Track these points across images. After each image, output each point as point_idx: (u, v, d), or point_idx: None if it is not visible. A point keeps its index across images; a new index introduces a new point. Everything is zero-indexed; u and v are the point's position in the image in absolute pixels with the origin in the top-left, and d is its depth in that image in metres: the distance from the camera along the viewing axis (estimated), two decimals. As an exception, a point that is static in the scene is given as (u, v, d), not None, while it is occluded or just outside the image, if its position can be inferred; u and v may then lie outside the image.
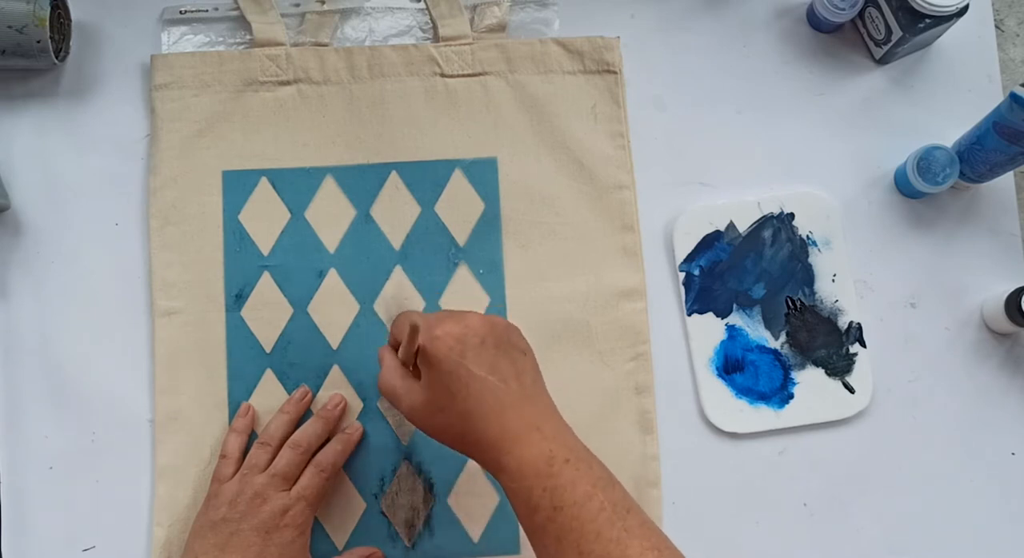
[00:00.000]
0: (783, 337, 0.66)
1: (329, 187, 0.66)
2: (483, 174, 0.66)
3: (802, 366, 0.66)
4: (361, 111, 0.67)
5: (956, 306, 0.68)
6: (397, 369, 0.52)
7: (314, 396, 0.63)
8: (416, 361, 0.51)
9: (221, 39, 0.68)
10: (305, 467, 0.59)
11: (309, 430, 0.60)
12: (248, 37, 0.68)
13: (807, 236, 0.67)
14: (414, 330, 0.48)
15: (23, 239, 0.65)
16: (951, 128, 0.68)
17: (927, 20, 0.64)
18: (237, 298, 0.64)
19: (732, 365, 0.66)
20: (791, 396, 0.65)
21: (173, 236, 0.65)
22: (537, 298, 0.65)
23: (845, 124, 0.70)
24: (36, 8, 0.61)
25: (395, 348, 0.53)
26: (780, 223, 0.68)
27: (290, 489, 0.58)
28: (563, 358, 0.64)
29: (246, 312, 0.64)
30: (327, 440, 0.61)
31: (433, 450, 0.63)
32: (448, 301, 0.65)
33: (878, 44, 0.69)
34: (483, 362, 0.48)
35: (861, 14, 0.68)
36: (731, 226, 0.67)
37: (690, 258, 0.67)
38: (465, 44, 0.68)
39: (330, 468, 0.60)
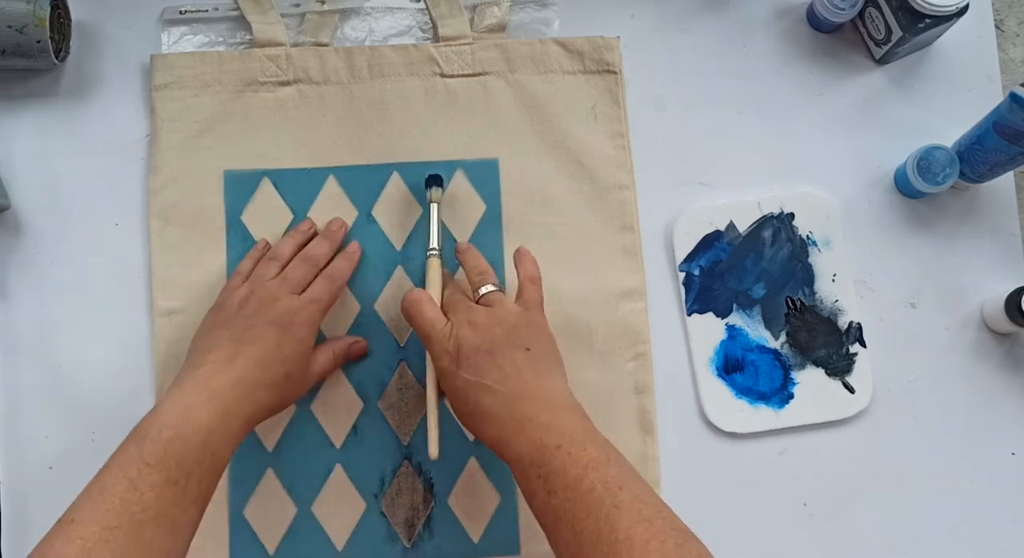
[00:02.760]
0: (783, 337, 0.66)
1: (331, 187, 0.66)
2: (484, 175, 0.66)
3: (802, 366, 0.66)
4: (361, 111, 0.67)
5: (956, 306, 0.68)
6: (436, 313, 0.57)
7: (314, 396, 0.63)
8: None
9: (221, 39, 0.68)
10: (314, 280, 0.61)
11: (317, 247, 0.62)
12: (248, 37, 0.68)
13: (807, 236, 0.67)
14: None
15: (23, 239, 0.65)
16: (951, 128, 0.68)
17: (927, 20, 0.64)
18: (237, 298, 0.64)
19: (732, 365, 0.66)
20: (791, 396, 0.65)
21: (174, 236, 0.65)
22: (537, 298, 0.65)
23: (845, 124, 0.70)
24: (36, 8, 0.61)
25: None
26: (780, 223, 0.68)
27: (301, 295, 0.59)
28: (563, 358, 0.64)
29: (246, 312, 0.64)
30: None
31: (433, 450, 0.63)
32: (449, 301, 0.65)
33: (878, 44, 0.69)
34: (475, 369, 0.53)
35: (861, 14, 0.68)
36: (731, 226, 0.67)
37: (690, 258, 0.67)
38: (465, 44, 0.68)
39: (340, 279, 0.61)
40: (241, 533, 0.62)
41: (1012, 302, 0.64)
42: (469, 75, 0.67)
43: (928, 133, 0.69)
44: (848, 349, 0.66)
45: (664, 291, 0.67)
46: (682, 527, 0.46)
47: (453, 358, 0.53)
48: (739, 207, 0.68)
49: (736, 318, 0.66)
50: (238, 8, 0.68)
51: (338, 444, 0.63)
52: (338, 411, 0.63)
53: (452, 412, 0.56)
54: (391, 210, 0.66)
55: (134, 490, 0.45)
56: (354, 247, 0.64)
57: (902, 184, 0.68)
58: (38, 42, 0.62)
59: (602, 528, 0.45)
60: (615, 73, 0.68)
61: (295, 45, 0.68)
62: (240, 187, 0.65)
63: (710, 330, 0.66)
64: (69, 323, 0.64)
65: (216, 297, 0.61)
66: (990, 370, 0.67)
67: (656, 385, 0.65)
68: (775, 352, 0.66)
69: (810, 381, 0.66)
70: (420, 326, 0.56)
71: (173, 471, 0.47)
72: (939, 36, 0.69)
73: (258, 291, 0.58)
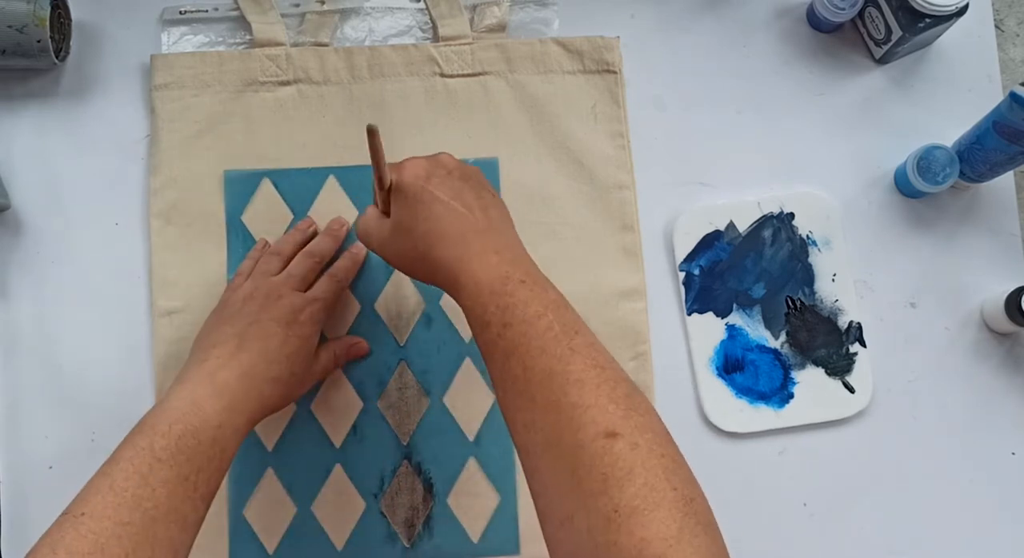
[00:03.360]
0: (783, 337, 0.66)
1: (331, 187, 0.66)
2: (484, 174, 0.66)
3: (802, 366, 0.66)
4: (361, 111, 0.67)
5: (956, 306, 0.68)
6: (373, 213, 0.54)
7: (314, 396, 0.63)
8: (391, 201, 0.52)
9: (221, 39, 0.68)
10: (317, 278, 0.60)
11: (320, 244, 0.62)
12: (248, 37, 0.68)
13: (807, 236, 0.67)
14: (371, 136, 0.49)
15: (23, 239, 0.65)
16: (951, 128, 0.68)
17: (927, 20, 0.64)
18: (237, 298, 0.64)
19: (732, 365, 0.66)
20: (791, 396, 0.65)
21: (174, 236, 0.65)
22: (537, 298, 0.65)
23: (845, 124, 0.70)
24: (36, 8, 0.61)
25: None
26: (780, 223, 0.68)
27: (305, 292, 0.58)
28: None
29: (246, 312, 0.64)
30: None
31: (433, 450, 0.63)
32: (449, 301, 0.65)
33: (878, 44, 0.69)
34: (447, 189, 0.50)
35: (861, 14, 0.68)
36: (731, 226, 0.67)
37: (690, 258, 0.67)
38: (465, 44, 0.68)
39: (344, 278, 0.61)
40: (241, 533, 0.62)
41: (1012, 302, 0.64)
42: (469, 75, 0.67)
43: (928, 133, 0.69)
44: (848, 349, 0.66)
45: (664, 291, 0.67)
46: (631, 380, 0.45)
47: (424, 175, 0.51)
48: (739, 207, 0.68)
49: (736, 318, 0.66)
50: (238, 8, 0.68)
51: (338, 444, 0.63)
52: (338, 411, 0.63)
53: (386, 244, 0.52)
54: (391, 210, 0.66)
55: (145, 486, 0.45)
56: (358, 247, 0.64)
57: (902, 184, 0.68)
58: (38, 42, 0.62)
59: (555, 367, 0.43)
60: (615, 73, 0.68)
61: (295, 45, 0.68)
62: (240, 187, 0.65)
63: (710, 330, 0.66)
64: (69, 323, 0.64)
65: (216, 297, 0.61)
66: (990, 370, 0.67)
67: (656, 385, 0.65)
68: (775, 352, 0.66)
69: (810, 381, 0.66)
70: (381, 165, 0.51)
71: (184, 467, 0.47)
72: (939, 36, 0.69)
73: (262, 287, 0.58)
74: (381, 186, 0.51)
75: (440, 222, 0.50)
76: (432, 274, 0.51)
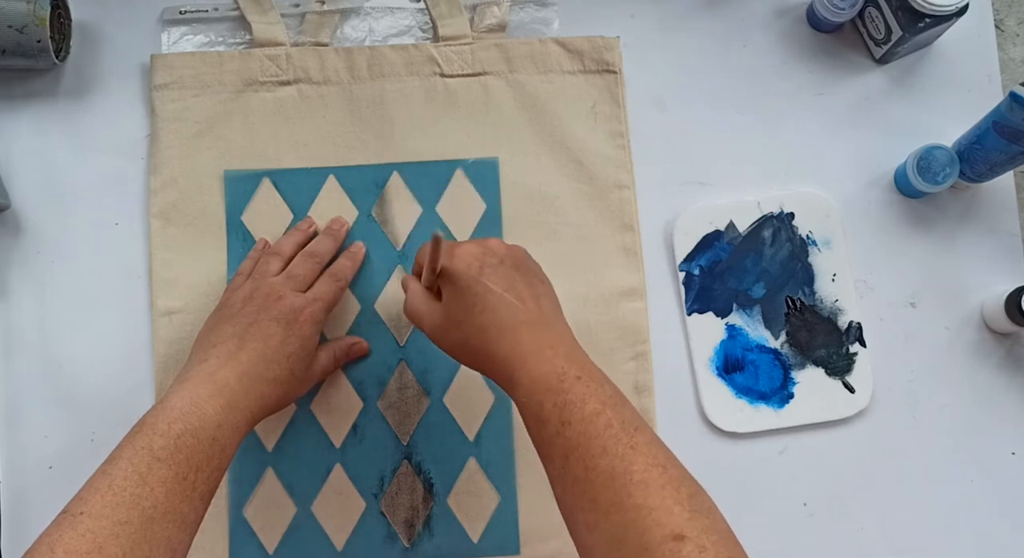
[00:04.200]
0: (783, 337, 0.66)
1: (332, 187, 0.66)
2: (484, 174, 0.66)
3: (802, 366, 0.66)
4: (361, 111, 0.67)
5: (956, 306, 0.68)
6: (420, 293, 0.54)
7: (314, 396, 0.63)
8: (439, 284, 0.52)
9: (221, 39, 0.68)
10: (317, 278, 0.60)
11: (320, 244, 0.62)
12: (248, 37, 0.68)
13: (807, 236, 0.67)
14: (436, 245, 0.49)
15: (23, 239, 0.65)
16: (951, 128, 0.68)
17: (927, 20, 0.64)
18: (237, 298, 0.64)
19: (732, 365, 0.66)
20: (791, 396, 0.65)
21: (174, 236, 0.65)
22: (537, 298, 0.65)
23: (845, 124, 0.70)
24: (36, 8, 0.61)
25: (419, 276, 0.55)
26: (780, 223, 0.68)
27: (305, 293, 0.58)
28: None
29: (246, 312, 0.64)
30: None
31: (433, 450, 0.63)
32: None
33: (878, 44, 0.69)
34: (500, 279, 0.50)
35: (861, 14, 0.68)
36: (731, 226, 0.67)
37: (690, 258, 0.67)
38: (465, 44, 0.68)
39: (344, 278, 0.61)
40: (241, 533, 0.62)
41: (1012, 302, 0.64)
42: (469, 75, 0.67)
43: (928, 133, 0.69)
44: (848, 349, 0.66)
45: (664, 291, 0.67)
46: (694, 478, 0.45)
47: (477, 266, 0.50)
48: (739, 207, 0.68)
49: (736, 318, 0.66)
50: (238, 8, 0.68)
51: (338, 444, 0.63)
52: (338, 411, 0.63)
53: (437, 331, 0.52)
54: (392, 210, 0.66)
55: (144, 485, 0.45)
56: (357, 247, 0.64)
57: (902, 184, 0.68)
58: (38, 42, 0.62)
59: (617, 466, 0.43)
60: (615, 73, 0.68)
61: (295, 45, 0.68)
62: (240, 187, 0.65)
63: (710, 330, 0.66)
64: (69, 323, 0.64)
65: (216, 297, 0.61)
66: (990, 370, 0.67)
67: (656, 385, 0.65)
68: (775, 352, 0.66)
69: (810, 381, 0.66)
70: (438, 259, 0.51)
71: (182, 467, 0.47)
72: (939, 36, 0.69)
73: (262, 287, 0.58)
74: (433, 270, 0.51)
75: (495, 315, 0.49)
76: (485, 367, 0.51)
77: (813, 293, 0.67)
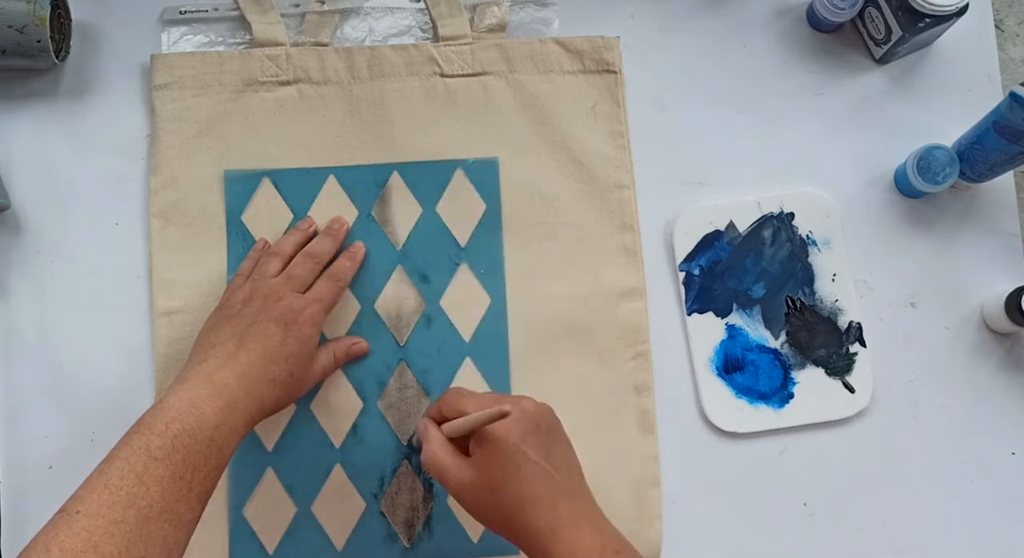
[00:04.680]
0: (783, 337, 0.66)
1: (331, 187, 0.66)
2: (484, 174, 0.66)
3: (802, 366, 0.66)
4: (361, 111, 0.67)
5: (956, 306, 0.68)
6: (445, 445, 0.52)
7: (314, 396, 0.63)
8: (470, 440, 0.51)
9: (221, 39, 0.68)
10: (317, 279, 0.60)
11: (319, 244, 0.62)
12: (248, 37, 0.68)
13: (807, 236, 0.67)
14: (496, 416, 0.48)
15: (23, 239, 0.65)
16: (951, 128, 0.68)
17: (927, 20, 0.64)
18: (237, 298, 0.64)
19: (732, 365, 0.66)
20: (791, 396, 0.65)
21: (174, 236, 0.65)
22: (537, 298, 0.65)
23: (845, 124, 0.70)
24: (36, 8, 0.61)
25: (436, 421, 0.54)
26: (780, 223, 0.68)
27: (304, 293, 0.58)
28: (563, 358, 0.64)
29: (246, 312, 0.64)
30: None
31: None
32: (449, 301, 0.65)
33: (878, 44, 0.69)
34: (538, 448, 0.50)
35: (861, 14, 0.68)
36: (731, 226, 0.67)
37: (690, 258, 0.67)
38: (465, 44, 0.68)
39: (343, 278, 0.61)
40: (241, 532, 0.62)
41: (1012, 302, 0.64)
42: (469, 75, 0.67)
43: (928, 133, 0.69)
44: (848, 349, 0.66)
45: (664, 291, 0.67)
46: None
47: (518, 432, 0.50)
48: (739, 207, 0.68)
49: (736, 318, 0.66)
50: (238, 8, 0.68)
51: (338, 444, 0.63)
52: (338, 411, 0.63)
53: (466, 494, 0.51)
54: (391, 210, 0.66)
55: (140, 484, 0.45)
56: (357, 247, 0.64)
57: (902, 184, 0.68)
58: (38, 42, 0.62)
59: None
60: (615, 73, 0.68)
61: (295, 45, 0.68)
62: (240, 187, 0.65)
63: (710, 330, 0.66)
64: (69, 323, 0.64)
65: (216, 297, 0.61)
66: (990, 370, 0.67)
67: (656, 385, 0.65)
68: (775, 352, 0.66)
69: (810, 381, 0.66)
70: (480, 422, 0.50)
71: (179, 466, 0.47)
72: (939, 36, 0.69)
73: (261, 288, 0.58)
74: (471, 428, 0.50)
75: (533, 486, 0.49)
76: (516, 536, 0.50)
77: (813, 293, 0.67)
